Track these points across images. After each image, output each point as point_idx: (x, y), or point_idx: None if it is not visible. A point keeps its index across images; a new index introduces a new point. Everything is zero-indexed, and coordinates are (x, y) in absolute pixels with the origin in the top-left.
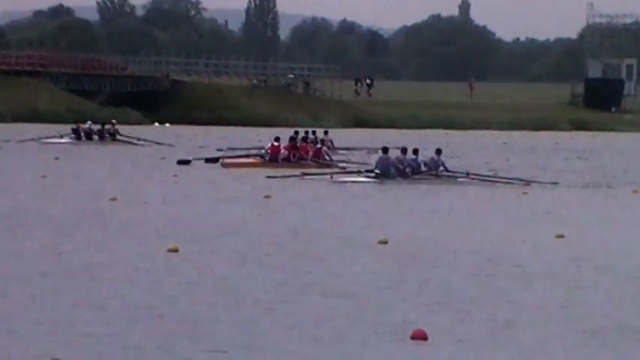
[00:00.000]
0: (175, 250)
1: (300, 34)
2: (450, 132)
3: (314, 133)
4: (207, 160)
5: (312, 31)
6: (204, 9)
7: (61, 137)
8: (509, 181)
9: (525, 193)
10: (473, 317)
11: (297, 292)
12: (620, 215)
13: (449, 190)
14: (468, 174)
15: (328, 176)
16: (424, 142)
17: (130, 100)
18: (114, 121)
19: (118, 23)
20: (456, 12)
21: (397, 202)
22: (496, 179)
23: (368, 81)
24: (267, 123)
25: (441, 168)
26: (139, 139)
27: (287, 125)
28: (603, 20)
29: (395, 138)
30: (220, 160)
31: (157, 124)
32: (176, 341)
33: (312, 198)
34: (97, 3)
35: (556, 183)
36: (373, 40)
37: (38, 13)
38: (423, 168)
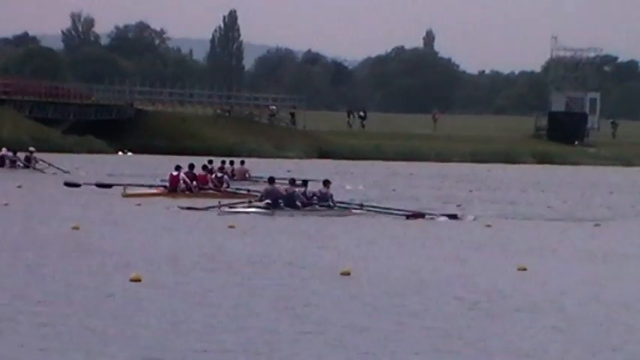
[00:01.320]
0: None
1: (265, 64)
2: (414, 163)
3: (232, 162)
4: (100, 186)
5: (276, 61)
6: (169, 38)
7: None
8: (400, 212)
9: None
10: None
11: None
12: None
13: (346, 220)
14: (361, 205)
15: (216, 208)
16: (389, 173)
17: (93, 129)
18: (32, 148)
19: (82, 51)
20: (420, 44)
21: (316, 232)
22: (389, 210)
23: (361, 113)
24: (231, 152)
25: (330, 200)
26: (50, 165)
27: (250, 155)
28: (567, 54)
29: (358, 169)
30: (122, 191)
31: (120, 152)
32: None
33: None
34: (62, 32)
35: (454, 216)
36: (338, 70)
37: (3, 41)
38: (313, 199)
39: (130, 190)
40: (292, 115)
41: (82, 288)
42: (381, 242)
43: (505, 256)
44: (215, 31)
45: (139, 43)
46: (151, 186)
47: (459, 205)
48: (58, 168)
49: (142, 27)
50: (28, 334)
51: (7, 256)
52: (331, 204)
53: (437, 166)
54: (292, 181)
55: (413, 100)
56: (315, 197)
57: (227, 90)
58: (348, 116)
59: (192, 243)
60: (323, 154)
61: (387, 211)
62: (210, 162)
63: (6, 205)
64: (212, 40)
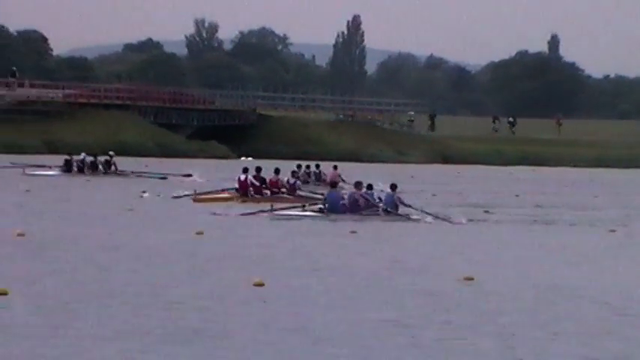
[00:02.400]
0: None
1: (387, 69)
2: (536, 168)
3: (317, 166)
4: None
5: (398, 66)
6: (292, 43)
7: (50, 168)
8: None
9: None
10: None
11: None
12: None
13: (411, 226)
14: (422, 211)
15: (267, 212)
16: (509, 179)
17: (216, 134)
18: (111, 153)
19: (205, 57)
20: (544, 48)
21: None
22: (443, 217)
23: (510, 119)
24: (352, 157)
25: (398, 204)
26: (132, 172)
27: (372, 160)
28: None
29: (480, 174)
30: (192, 195)
31: (243, 157)
32: None
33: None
34: (186, 37)
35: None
36: (459, 75)
37: (127, 47)
38: (378, 203)
39: (201, 195)
40: (432, 119)
41: (209, 292)
42: (489, 248)
43: (634, 261)
44: (338, 36)
45: (261, 49)
46: (223, 190)
47: (587, 212)
48: (138, 172)
49: (265, 32)
50: (153, 335)
51: (137, 261)
52: (390, 209)
53: (560, 172)
54: (357, 185)
55: (535, 104)
56: (380, 201)
57: (349, 95)
58: (494, 122)
59: (309, 248)
60: (446, 159)
61: (443, 217)
62: (299, 167)
63: (130, 210)
64: (335, 45)
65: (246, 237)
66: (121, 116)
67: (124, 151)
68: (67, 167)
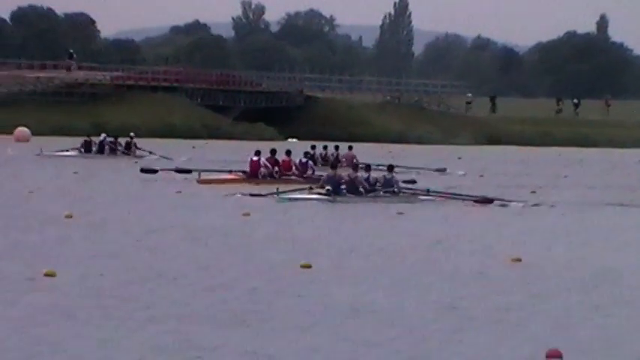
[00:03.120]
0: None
1: (434, 50)
2: (584, 150)
3: (336, 147)
4: (178, 171)
5: (445, 48)
6: (338, 25)
7: (68, 150)
8: (469, 198)
9: None
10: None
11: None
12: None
13: (425, 207)
14: (428, 191)
15: (274, 194)
16: (558, 160)
17: (263, 116)
18: (132, 134)
19: (252, 39)
20: (593, 29)
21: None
22: (457, 196)
23: (575, 100)
24: (399, 139)
25: (395, 186)
26: (150, 153)
27: (420, 142)
28: None
29: (528, 156)
30: (197, 177)
31: (289, 139)
32: None
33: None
34: (233, 19)
35: (524, 201)
36: (507, 56)
37: (174, 29)
38: (377, 185)
39: (205, 176)
40: (492, 101)
41: (258, 275)
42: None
43: None
44: (385, 17)
45: (308, 31)
46: (230, 171)
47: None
48: (161, 155)
49: (312, 14)
50: (204, 317)
51: (186, 242)
52: (396, 189)
53: (609, 153)
54: (355, 167)
55: (583, 85)
56: (378, 183)
57: (396, 77)
58: (557, 103)
59: (353, 230)
60: (493, 141)
61: (454, 197)
62: (313, 147)
63: (179, 193)
64: (382, 27)
65: (292, 219)
66: (168, 98)
67: (172, 134)
68: (86, 148)
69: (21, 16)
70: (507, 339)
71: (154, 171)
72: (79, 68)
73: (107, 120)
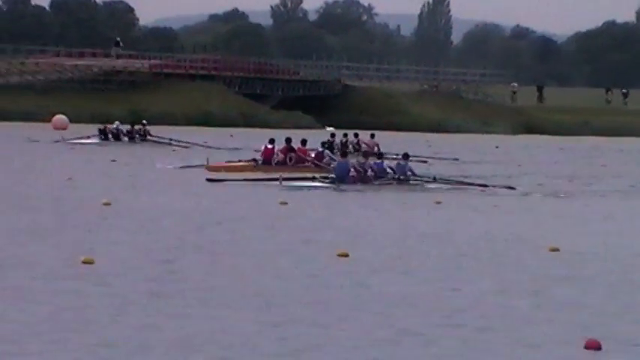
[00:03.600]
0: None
1: (473, 39)
2: (625, 139)
3: (356, 135)
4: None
5: (484, 37)
6: (377, 14)
7: (88, 137)
8: (473, 185)
9: None
10: None
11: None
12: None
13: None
14: (434, 179)
15: (277, 181)
16: (595, 149)
17: (301, 104)
18: (144, 121)
19: (290, 28)
20: (632, 18)
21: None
22: (463, 184)
23: (624, 90)
24: (437, 128)
25: (409, 173)
26: (170, 140)
27: (458, 131)
28: None
29: (566, 145)
30: (205, 164)
31: (327, 128)
32: None
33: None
34: (271, 7)
35: (512, 188)
36: (546, 45)
37: (213, 17)
38: (388, 173)
39: (214, 163)
40: (540, 90)
41: (291, 264)
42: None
43: None
44: (423, 6)
45: (346, 19)
46: (239, 160)
47: None
48: (178, 144)
49: (350, 2)
50: (248, 304)
51: (223, 230)
52: (402, 177)
53: None
54: (365, 154)
55: (622, 75)
56: (390, 170)
57: (434, 66)
58: (607, 92)
59: (393, 218)
60: (531, 130)
61: (460, 185)
62: (333, 135)
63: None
64: (420, 15)
65: (329, 207)
66: (206, 86)
67: (209, 121)
68: (103, 136)
69: (60, 4)
70: (547, 328)
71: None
72: (117, 57)
73: (145, 108)
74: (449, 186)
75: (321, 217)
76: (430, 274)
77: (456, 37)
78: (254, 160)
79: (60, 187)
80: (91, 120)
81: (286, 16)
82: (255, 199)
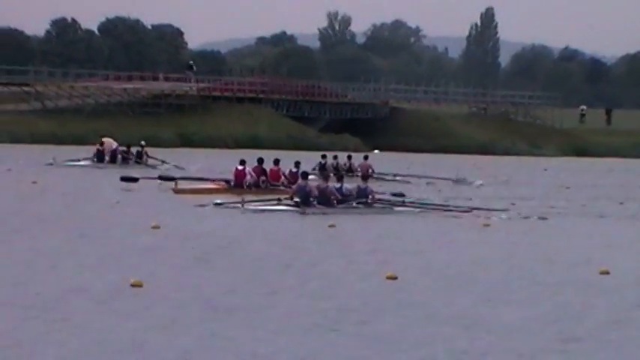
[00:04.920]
0: None
1: (521, 61)
2: None
3: (349, 157)
4: (162, 178)
5: (532, 59)
6: (424, 36)
7: (79, 160)
8: (446, 208)
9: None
10: None
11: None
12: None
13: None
14: (403, 202)
15: (239, 204)
16: None
17: (349, 127)
18: (143, 142)
19: (338, 50)
20: None
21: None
22: (433, 207)
23: None
24: (485, 151)
25: (370, 197)
26: (163, 162)
27: (506, 153)
28: None
29: (617, 167)
30: (173, 186)
31: (376, 151)
32: None
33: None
34: (319, 30)
35: (506, 209)
36: (595, 67)
37: (261, 40)
38: (349, 196)
39: (183, 185)
40: (608, 113)
41: (341, 284)
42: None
43: None
44: (471, 28)
45: (393, 42)
46: (212, 180)
47: None
48: (174, 165)
49: (398, 25)
50: (299, 326)
51: (273, 252)
52: (369, 200)
53: None
54: (326, 177)
55: None
56: (350, 194)
57: (482, 88)
58: None
59: (439, 240)
60: (580, 153)
61: (432, 208)
62: (324, 157)
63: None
64: (468, 38)
65: (376, 228)
66: (254, 109)
67: (257, 144)
68: (98, 158)
69: (109, 27)
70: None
71: (135, 179)
72: (166, 80)
73: (193, 131)
74: (420, 209)
75: (364, 239)
76: (480, 294)
77: (504, 60)
78: (226, 181)
79: (108, 211)
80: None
81: (334, 38)
82: (303, 223)
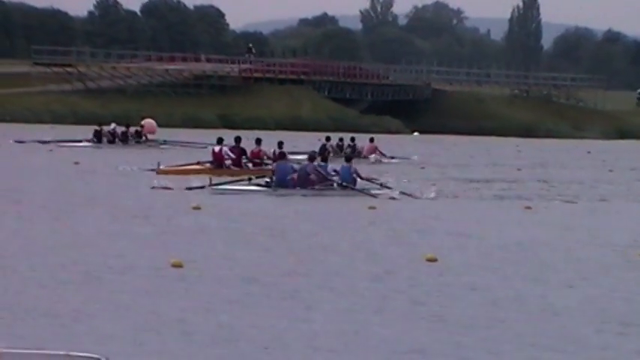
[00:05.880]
0: None
1: (564, 43)
2: None
3: (352, 139)
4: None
5: (575, 41)
6: (467, 18)
7: (81, 141)
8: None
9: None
10: None
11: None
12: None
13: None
14: (381, 185)
15: (207, 184)
16: None
17: (390, 109)
18: (142, 122)
19: (379, 32)
20: None
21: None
22: (408, 192)
23: None
24: (527, 133)
25: (354, 176)
26: (164, 142)
27: (548, 135)
28: None
29: None
30: (156, 168)
31: (416, 133)
32: None
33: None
34: (360, 12)
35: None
36: (638, 49)
37: (302, 22)
38: (332, 177)
39: (165, 167)
40: None
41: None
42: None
43: None
44: (513, 10)
45: (435, 24)
46: (198, 162)
47: None
48: (180, 144)
49: (440, 6)
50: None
51: (311, 236)
52: (344, 183)
53: None
54: (311, 157)
55: None
56: (335, 174)
57: (524, 70)
58: None
59: (476, 222)
60: (623, 135)
61: (412, 194)
62: (328, 139)
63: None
64: (510, 20)
65: (416, 211)
66: (295, 91)
67: (298, 126)
68: (97, 138)
69: (151, 8)
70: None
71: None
72: (208, 61)
73: (234, 112)
74: (397, 193)
75: (404, 221)
76: (526, 276)
77: (547, 42)
78: (210, 162)
79: (148, 192)
80: (182, 124)
81: (376, 20)
82: (347, 204)
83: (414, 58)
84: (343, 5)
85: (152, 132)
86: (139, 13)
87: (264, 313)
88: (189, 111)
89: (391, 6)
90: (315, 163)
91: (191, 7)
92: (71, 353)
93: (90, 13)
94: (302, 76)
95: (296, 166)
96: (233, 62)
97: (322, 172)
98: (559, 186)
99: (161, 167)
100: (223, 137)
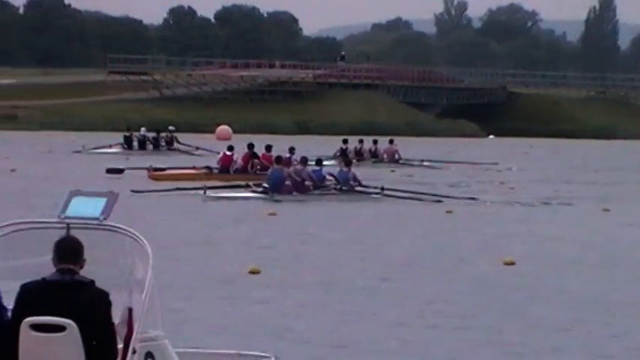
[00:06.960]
0: None
1: None
2: None
3: (375, 142)
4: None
5: None
6: (541, 20)
7: (110, 147)
8: (424, 197)
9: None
10: None
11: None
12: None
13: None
14: (382, 189)
15: (201, 191)
16: None
17: (465, 112)
18: (171, 127)
19: (454, 35)
20: None
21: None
22: (411, 195)
23: None
24: (604, 135)
25: (352, 182)
26: (197, 148)
27: (625, 137)
28: None
29: None
30: (147, 171)
31: (491, 136)
32: None
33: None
34: (435, 16)
35: (474, 199)
36: None
37: (376, 26)
38: (328, 181)
39: (158, 171)
40: None
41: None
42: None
43: None
44: (589, 11)
45: (510, 26)
46: (192, 167)
47: None
48: (205, 149)
49: (514, 9)
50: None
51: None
52: (344, 187)
53: None
54: (304, 161)
55: None
56: (329, 180)
57: (601, 71)
58: None
59: (548, 226)
60: None
61: (410, 196)
62: (345, 141)
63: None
64: (586, 21)
65: (487, 215)
66: (370, 96)
67: (374, 131)
68: (127, 144)
69: (225, 15)
70: None
71: (120, 171)
72: (282, 67)
73: (309, 118)
74: (397, 198)
75: (478, 225)
76: (597, 275)
77: (623, 42)
78: (207, 167)
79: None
80: (256, 130)
81: (450, 24)
82: (421, 208)
83: (489, 61)
84: (417, 9)
85: (227, 139)
86: (212, 19)
87: (365, 318)
88: (264, 117)
89: (465, 9)
90: (309, 167)
91: (265, 13)
92: (242, 352)
93: (164, 20)
94: (376, 81)
95: (291, 172)
96: (307, 68)
97: (313, 176)
98: (636, 188)
99: (153, 172)
100: (295, 146)
